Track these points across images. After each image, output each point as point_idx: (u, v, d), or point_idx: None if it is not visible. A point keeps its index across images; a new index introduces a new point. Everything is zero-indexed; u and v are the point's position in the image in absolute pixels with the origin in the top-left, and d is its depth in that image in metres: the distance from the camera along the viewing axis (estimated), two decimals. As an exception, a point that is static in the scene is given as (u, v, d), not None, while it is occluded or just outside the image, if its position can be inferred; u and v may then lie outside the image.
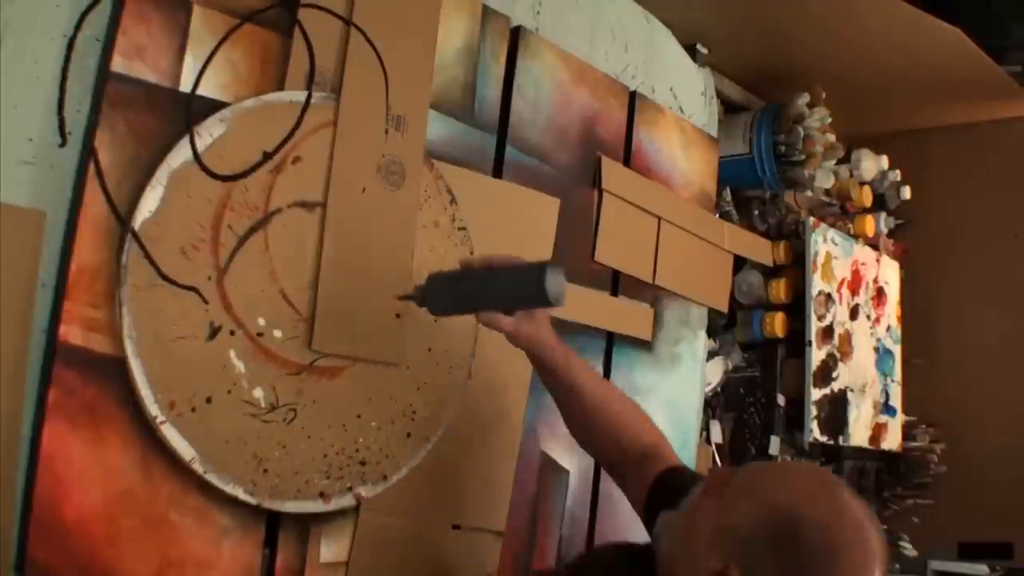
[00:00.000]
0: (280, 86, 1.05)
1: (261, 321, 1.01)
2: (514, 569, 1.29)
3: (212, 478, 0.96)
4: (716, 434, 1.94)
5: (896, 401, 2.37)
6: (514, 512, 1.28)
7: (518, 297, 0.98)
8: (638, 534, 1.03)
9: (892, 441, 2.35)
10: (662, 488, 0.98)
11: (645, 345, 1.54)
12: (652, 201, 1.54)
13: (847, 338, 2.19)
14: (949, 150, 2.47)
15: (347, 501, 1.09)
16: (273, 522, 1.03)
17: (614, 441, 1.06)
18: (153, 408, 0.92)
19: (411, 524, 1.16)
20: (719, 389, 1.99)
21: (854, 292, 2.24)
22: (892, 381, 2.37)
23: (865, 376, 2.25)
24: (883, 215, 2.40)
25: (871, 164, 2.37)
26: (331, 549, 1.08)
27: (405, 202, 1.15)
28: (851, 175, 2.35)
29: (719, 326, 1.97)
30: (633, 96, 1.55)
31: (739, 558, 0.76)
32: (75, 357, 0.88)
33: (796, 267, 2.09)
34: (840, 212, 2.38)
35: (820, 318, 2.09)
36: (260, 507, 1.00)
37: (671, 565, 0.86)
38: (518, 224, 1.31)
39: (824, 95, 2.03)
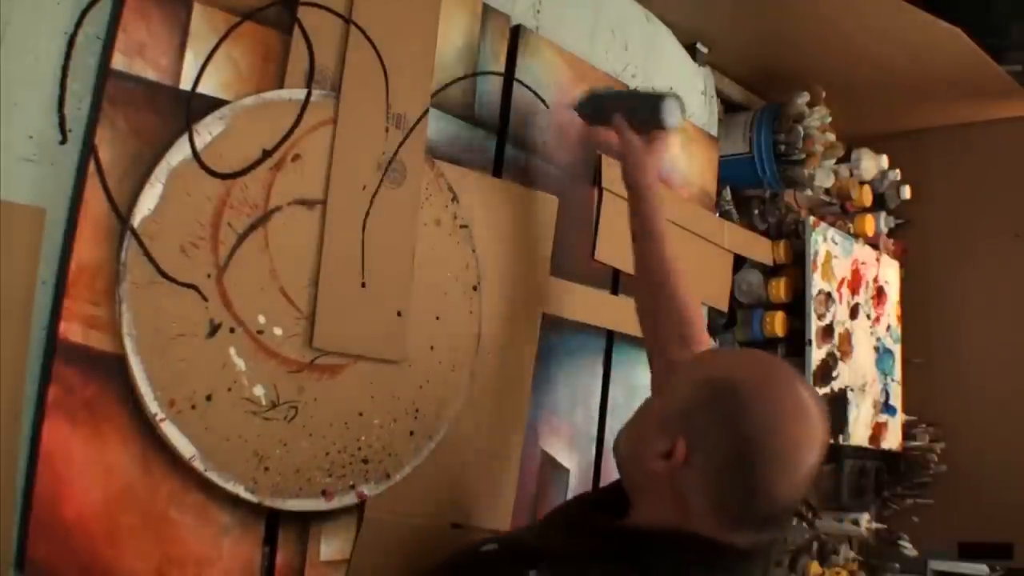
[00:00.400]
0: (280, 84, 1.04)
1: (261, 319, 1.01)
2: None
3: (212, 476, 0.96)
4: (716, 433, 1.94)
5: (896, 400, 2.37)
6: (514, 511, 1.28)
7: (644, 116, 1.22)
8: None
9: (892, 441, 2.35)
10: None
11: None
12: (652, 200, 1.54)
13: (847, 337, 2.18)
14: (949, 150, 2.47)
15: (350, 499, 1.09)
16: (273, 520, 1.03)
17: (668, 311, 1.14)
18: (153, 406, 0.92)
19: (414, 523, 1.16)
20: (719, 388, 1.99)
21: (854, 291, 2.24)
22: (892, 380, 2.37)
23: (865, 375, 2.25)
24: (883, 215, 2.40)
25: (871, 164, 2.36)
26: (331, 547, 1.08)
27: (406, 200, 1.15)
28: (851, 174, 2.35)
29: (719, 325, 1.97)
30: (633, 95, 1.55)
31: (684, 430, 0.78)
32: (75, 355, 0.88)
33: (796, 266, 2.09)
34: (840, 211, 2.37)
35: (820, 317, 2.09)
36: (261, 505, 1.00)
37: (628, 468, 0.87)
38: (518, 222, 1.31)
39: (824, 94, 2.02)
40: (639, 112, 1.23)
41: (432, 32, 1.19)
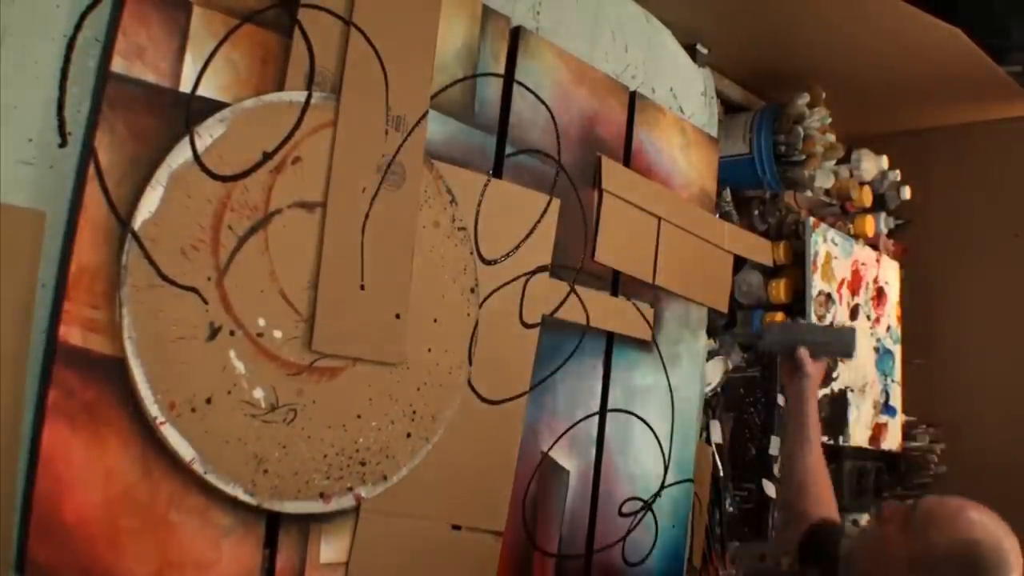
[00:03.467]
0: (280, 86, 1.05)
1: (261, 321, 1.01)
2: (514, 570, 1.29)
3: (212, 478, 0.96)
4: (716, 434, 1.94)
5: (896, 401, 2.37)
6: (514, 512, 1.28)
7: (829, 347, 1.50)
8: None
9: (892, 441, 2.35)
10: (813, 535, 1.30)
11: (645, 345, 1.54)
12: (652, 201, 1.54)
13: (847, 338, 2.18)
14: (949, 150, 2.46)
15: (347, 501, 1.09)
16: (273, 522, 1.03)
17: (807, 505, 1.35)
18: (153, 408, 0.92)
19: (411, 524, 1.16)
20: (719, 389, 1.99)
21: (854, 292, 2.24)
22: (892, 381, 2.37)
23: (865, 376, 2.25)
24: (883, 215, 2.40)
25: (871, 164, 2.36)
26: (331, 549, 1.08)
27: (405, 202, 1.15)
28: (851, 175, 2.34)
29: (719, 326, 1.97)
30: (633, 96, 1.55)
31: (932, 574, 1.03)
32: (75, 358, 0.88)
33: (796, 267, 2.09)
34: (840, 212, 2.37)
35: (820, 318, 2.09)
36: (260, 507, 1.01)
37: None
38: (518, 224, 1.31)
39: (824, 95, 2.02)
40: (822, 341, 1.49)
41: (432, 34, 1.20)
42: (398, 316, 1.13)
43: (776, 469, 1.94)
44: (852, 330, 1.54)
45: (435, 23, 1.20)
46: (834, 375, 2.12)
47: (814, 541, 1.29)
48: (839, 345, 1.53)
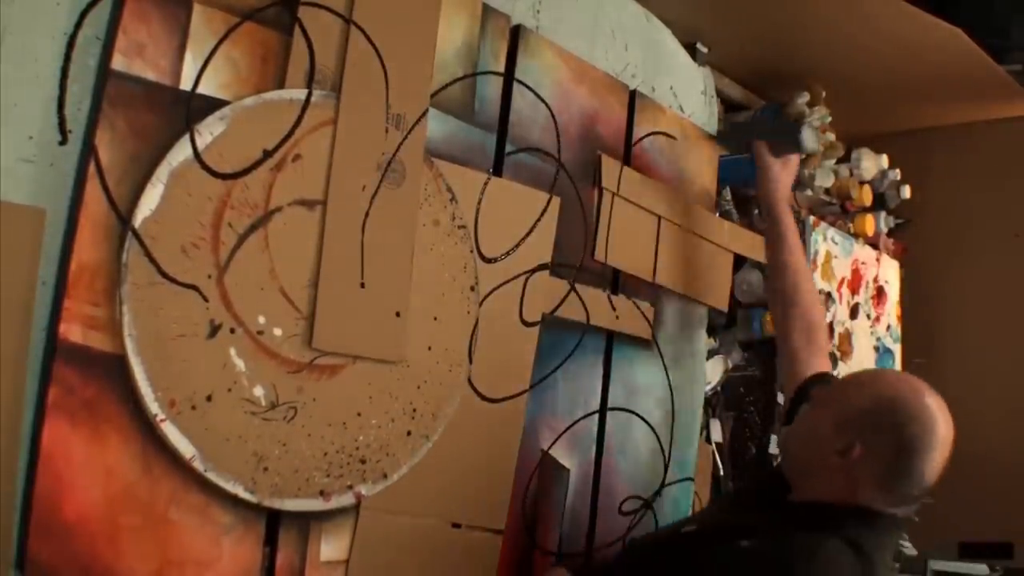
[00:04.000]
0: (280, 84, 1.05)
1: (261, 319, 1.02)
2: (514, 568, 1.29)
3: (212, 476, 0.96)
4: (716, 432, 1.94)
5: (896, 400, 2.37)
6: (514, 510, 1.28)
7: (779, 140, 1.53)
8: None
9: (892, 440, 2.34)
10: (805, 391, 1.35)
11: (645, 343, 1.54)
12: (652, 200, 1.55)
13: (847, 337, 2.18)
14: (949, 150, 2.46)
15: (347, 499, 1.09)
16: (273, 520, 1.03)
17: (797, 314, 1.43)
18: (153, 406, 0.92)
19: (411, 522, 1.16)
20: (719, 388, 1.99)
21: (854, 291, 2.24)
22: (892, 380, 2.37)
23: (865, 375, 2.25)
24: (883, 214, 2.40)
25: (871, 163, 2.36)
26: (332, 547, 1.08)
27: (405, 200, 1.15)
28: (851, 174, 2.34)
29: (719, 325, 1.97)
30: (633, 95, 1.55)
31: (859, 435, 1.06)
32: (75, 355, 0.88)
33: (796, 266, 2.09)
34: (840, 211, 2.37)
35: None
36: (260, 505, 1.01)
37: (801, 461, 1.15)
38: (518, 222, 1.31)
39: (824, 94, 2.02)
40: (778, 137, 1.52)
41: (432, 32, 1.20)
42: (398, 314, 1.13)
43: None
44: (796, 123, 1.63)
45: (435, 21, 1.20)
46: (834, 374, 2.12)
47: (799, 399, 1.35)
48: (789, 137, 1.59)
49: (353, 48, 1.10)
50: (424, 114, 1.17)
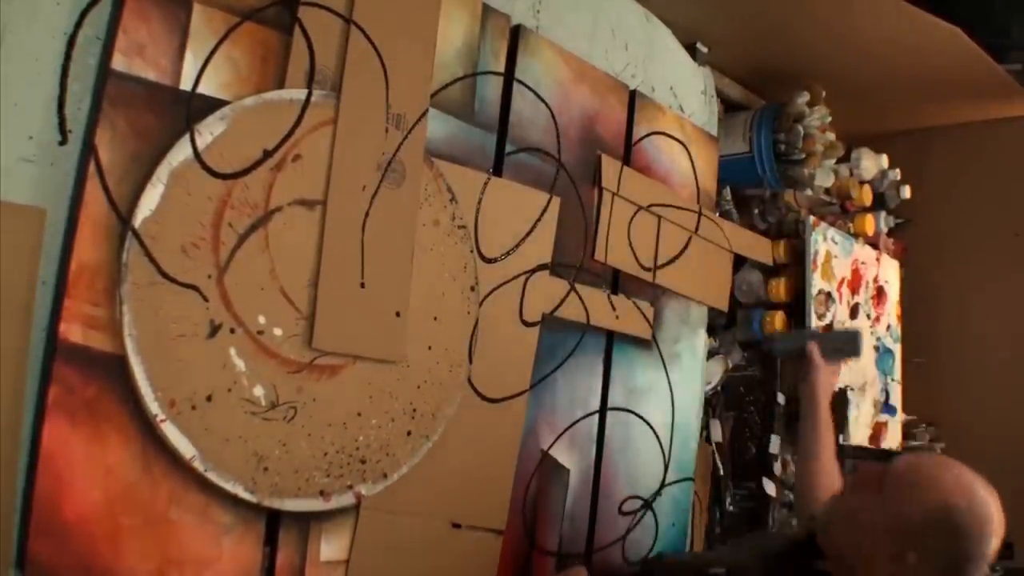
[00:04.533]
0: (280, 84, 1.05)
1: (261, 319, 1.02)
2: (514, 568, 1.29)
3: (212, 476, 0.96)
4: (716, 433, 1.94)
5: (896, 400, 2.37)
6: (514, 510, 1.28)
7: (837, 347, 1.58)
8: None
9: (892, 440, 2.35)
10: None
11: (645, 344, 1.54)
12: (652, 199, 1.54)
13: (847, 337, 2.18)
14: (949, 150, 2.46)
15: (347, 499, 1.09)
16: (273, 520, 1.03)
17: (818, 496, 1.39)
18: (153, 406, 0.92)
19: (411, 522, 1.16)
20: (719, 388, 1.99)
21: (854, 291, 2.24)
22: (892, 380, 2.37)
23: (865, 375, 2.25)
24: (883, 214, 2.40)
25: (871, 163, 2.36)
26: (331, 547, 1.08)
27: (405, 200, 1.15)
28: (851, 174, 2.34)
29: (719, 325, 1.97)
30: (633, 95, 1.55)
31: (914, 547, 1.03)
32: (75, 355, 0.88)
33: (796, 266, 2.09)
34: (840, 211, 2.37)
35: (820, 317, 2.08)
36: (260, 505, 1.01)
37: (843, 546, 1.11)
38: (518, 222, 1.31)
39: (824, 94, 2.02)
40: (831, 345, 1.57)
41: (432, 32, 1.20)
42: (398, 314, 1.13)
43: (776, 467, 1.94)
44: (857, 331, 1.71)
45: (435, 21, 1.20)
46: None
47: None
48: (848, 345, 1.63)
49: (353, 48, 1.10)
50: (424, 114, 1.17)
